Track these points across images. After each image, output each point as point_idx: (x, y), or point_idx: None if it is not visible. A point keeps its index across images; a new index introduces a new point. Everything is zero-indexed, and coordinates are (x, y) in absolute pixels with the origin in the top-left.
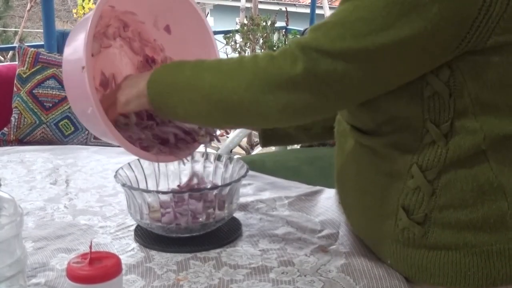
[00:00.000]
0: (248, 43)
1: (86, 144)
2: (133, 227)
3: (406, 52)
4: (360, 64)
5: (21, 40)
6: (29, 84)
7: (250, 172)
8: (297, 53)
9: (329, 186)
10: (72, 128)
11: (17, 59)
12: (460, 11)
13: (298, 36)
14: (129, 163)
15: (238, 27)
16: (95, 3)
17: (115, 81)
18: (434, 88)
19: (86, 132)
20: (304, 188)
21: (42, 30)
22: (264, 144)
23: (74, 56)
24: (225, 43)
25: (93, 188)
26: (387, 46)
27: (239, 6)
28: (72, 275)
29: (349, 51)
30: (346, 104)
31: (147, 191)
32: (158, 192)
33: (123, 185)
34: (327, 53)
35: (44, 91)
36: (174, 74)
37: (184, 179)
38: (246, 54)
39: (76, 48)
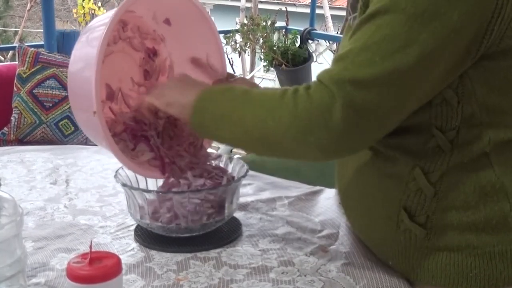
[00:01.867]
0: (248, 43)
1: (86, 144)
2: (133, 227)
3: (434, 64)
4: (394, 87)
5: (21, 40)
6: (29, 84)
7: (250, 172)
8: (332, 88)
9: (329, 186)
10: (72, 128)
11: (17, 59)
12: (478, 15)
13: (298, 35)
14: None
15: (238, 27)
16: (95, 3)
17: (122, 93)
18: (443, 96)
19: None
20: (304, 188)
21: (42, 30)
22: None
23: (85, 91)
24: (225, 43)
25: (93, 188)
26: (416, 63)
27: (239, 6)
28: (72, 275)
29: (382, 76)
30: (383, 134)
31: (147, 191)
32: (158, 192)
33: (123, 185)
34: (361, 83)
35: (44, 91)
36: (219, 103)
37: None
38: (247, 53)
39: (86, 78)
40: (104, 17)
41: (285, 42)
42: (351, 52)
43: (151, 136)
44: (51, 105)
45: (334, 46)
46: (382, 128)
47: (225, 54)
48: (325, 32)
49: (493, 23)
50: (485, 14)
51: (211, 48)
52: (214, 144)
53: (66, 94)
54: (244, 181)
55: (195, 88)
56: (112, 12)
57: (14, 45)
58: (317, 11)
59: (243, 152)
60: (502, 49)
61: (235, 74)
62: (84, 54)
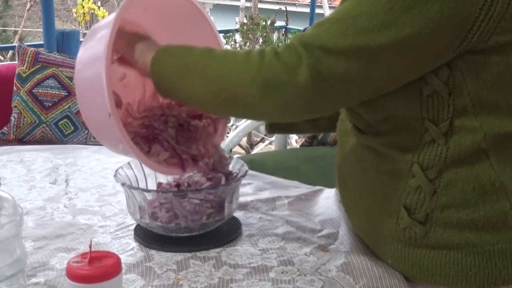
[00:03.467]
0: (248, 43)
1: (85, 143)
2: (132, 227)
3: (407, 50)
4: (362, 62)
5: (20, 40)
6: (29, 83)
7: (250, 172)
8: (300, 51)
9: (329, 185)
10: (72, 128)
11: (16, 59)
12: (461, 10)
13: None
14: (128, 163)
15: (237, 26)
16: (94, 2)
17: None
18: (433, 87)
19: (86, 132)
20: (304, 187)
21: (41, 30)
22: (269, 131)
23: (96, 93)
24: (225, 42)
25: (93, 188)
26: (388, 44)
27: (238, 6)
28: (72, 275)
29: (351, 49)
30: (347, 103)
31: (147, 190)
32: (158, 191)
33: (123, 184)
34: (330, 51)
35: (44, 91)
36: (181, 56)
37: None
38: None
39: (96, 84)
40: (106, 20)
41: (285, 41)
42: (328, 21)
43: (162, 140)
44: (50, 104)
45: None
46: (346, 98)
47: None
48: None
49: (481, 20)
50: (471, 10)
51: (211, 45)
52: None
53: (66, 93)
54: (243, 181)
55: (150, 48)
56: (113, 15)
57: (13, 44)
58: (317, 10)
59: (243, 151)
60: (492, 45)
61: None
62: (92, 55)
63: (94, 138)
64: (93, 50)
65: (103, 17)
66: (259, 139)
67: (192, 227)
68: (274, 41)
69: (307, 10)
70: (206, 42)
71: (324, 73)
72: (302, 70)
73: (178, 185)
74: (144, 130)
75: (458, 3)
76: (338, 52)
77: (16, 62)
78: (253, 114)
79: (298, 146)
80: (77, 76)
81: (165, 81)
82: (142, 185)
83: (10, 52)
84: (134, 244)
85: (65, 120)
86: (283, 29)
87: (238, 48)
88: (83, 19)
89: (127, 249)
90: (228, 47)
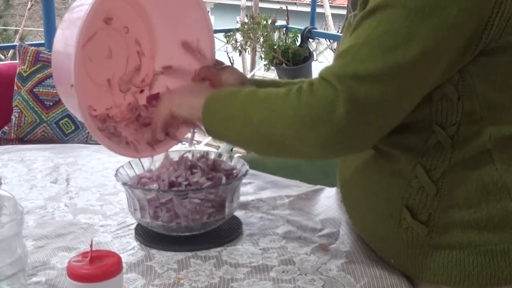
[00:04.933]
0: (249, 42)
1: (86, 143)
2: (133, 226)
3: (435, 59)
4: (396, 82)
5: (21, 39)
6: (30, 82)
7: (251, 171)
8: (335, 83)
9: (330, 185)
10: (73, 127)
11: (17, 58)
12: (477, 10)
13: (298, 34)
14: (129, 162)
15: (238, 25)
16: None
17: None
18: (443, 91)
19: (87, 131)
20: (305, 187)
21: (42, 29)
22: None
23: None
24: (226, 41)
25: (94, 187)
26: (417, 57)
27: (239, 5)
28: (73, 274)
29: (383, 71)
30: (387, 130)
31: (148, 189)
32: (158, 190)
33: (124, 183)
34: (363, 78)
35: (45, 90)
36: (227, 105)
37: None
38: (248, 52)
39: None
40: None
41: (285, 41)
42: (352, 48)
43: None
44: (51, 104)
45: (335, 44)
46: (386, 124)
47: (226, 53)
48: (325, 31)
49: (493, 19)
50: (485, 9)
51: (202, 34)
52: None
53: None
54: (244, 180)
55: (203, 91)
56: None
57: (14, 44)
58: (318, 9)
59: (243, 151)
60: (502, 45)
61: (224, 62)
62: (68, 28)
63: (95, 137)
64: (73, 16)
65: None
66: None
67: (193, 226)
68: (275, 40)
69: (308, 9)
70: (197, 29)
71: (361, 102)
72: (339, 103)
73: (173, 184)
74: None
75: (475, 4)
76: (371, 76)
77: (17, 61)
78: (296, 154)
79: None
80: (55, 39)
81: (214, 130)
82: None
83: (11, 51)
84: (134, 243)
85: (66, 119)
86: (284, 28)
87: (239, 48)
88: None
89: (128, 249)
90: (229, 46)
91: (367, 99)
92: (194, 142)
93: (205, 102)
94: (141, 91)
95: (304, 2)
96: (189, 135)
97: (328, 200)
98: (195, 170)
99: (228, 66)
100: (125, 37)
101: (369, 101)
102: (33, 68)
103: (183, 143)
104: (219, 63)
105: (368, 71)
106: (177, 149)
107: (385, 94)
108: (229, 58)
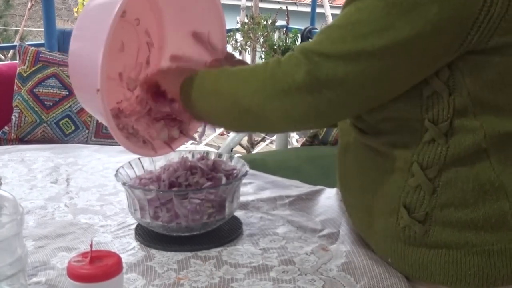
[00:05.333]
0: (249, 42)
1: (86, 143)
2: (133, 226)
3: (406, 53)
4: (360, 65)
5: (21, 39)
6: (30, 83)
7: (251, 171)
8: (300, 58)
9: (330, 185)
10: (73, 127)
11: (17, 58)
12: (461, 11)
13: (298, 34)
14: (129, 162)
15: (238, 25)
16: None
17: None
18: (434, 88)
19: (87, 131)
20: (305, 187)
21: (42, 29)
22: None
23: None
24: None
25: (94, 187)
26: (387, 48)
27: (239, 5)
28: (73, 274)
29: (349, 53)
30: (350, 111)
31: (148, 190)
32: (158, 191)
33: (124, 184)
34: (328, 56)
35: (45, 90)
36: (201, 80)
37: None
38: (248, 52)
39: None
40: None
41: (285, 41)
42: (328, 29)
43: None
44: (51, 104)
45: None
46: (349, 105)
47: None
48: None
49: (480, 21)
50: (470, 11)
51: (214, 26)
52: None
53: (67, 93)
54: (244, 180)
55: (182, 75)
56: None
57: (14, 44)
58: (318, 10)
59: (243, 151)
60: (493, 46)
61: (235, 55)
62: (92, 28)
63: (95, 137)
64: (98, 19)
65: None
66: (260, 138)
67: (193, 226)
68: (275, 40)
69: (308, 9)
70: (209, 20)
71: (322, 78)
72: (299, 75)
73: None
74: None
75: (457, 5)
76: (336, 56)
77: (17, 61)
78: (259, 125)
79: (299, 146)
80: (75, 42)
81: (191, 107)
82: None
83: (11, 52)
84: (135, 243)
85: (66, 119)
86: (284, 29)
87: (239, 48)
88: None
89: (128, 249)
90: (229, 46)
91: (328, 76)
92: (194, 142)
93: (183, 80)
94: None
95: (304, 2)
96: (200, 129)
97: (328, 201)
98: (195, 171)
99: (240, 60)
100: (136, 28)
101: (330, 78)
102: (33, 68)
103: (196, 140)
104: (230, 56)
105: (335, 51)
106: (177, 150)
107: (347, 75)
108: None
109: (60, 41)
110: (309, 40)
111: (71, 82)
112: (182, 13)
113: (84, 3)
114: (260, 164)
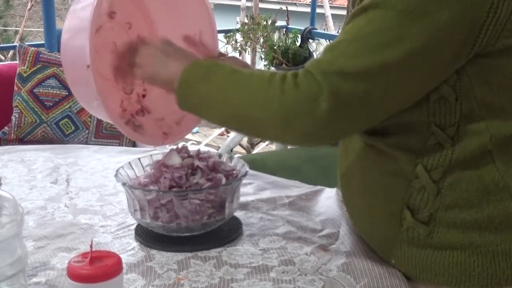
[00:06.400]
0: (249, 42)
1: (86, 143)
2: (133, 226)
3: (423, 62)
4: (380, 81)
5: (21, 39)
6: (30, 83)
7: (251, 171)
8: (319, 78)
9: (330, 185)
10: (73, 127)
11: (17, 58)
12: (470, 15)
13: (298, 35)
14: (129, 162)
15: (238, 26)
16: None
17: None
18: (441, 92)
19: (87, 132)
20: (305, 187)
21: (42, 29)
22: None
23: (78, 50)
24: (226, 42)
25: (94, 187)
26: (404, 58)
27: (239, 5)
28: (73, 274)
29: (369, 69)
30: (369, 125)
31: (148, 190)
32: (158, 191)
33: (124, 184)
34: (348, 75)
35: (45, 90)
36: (206, 83)
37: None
38: (248, 52)
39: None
40: None
41: (285, 41)
42: (341, 43)
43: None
44: (51, 104)
45: None
46: (368, 119)
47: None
48: (325, 32)
49: (488, 23)
50: (478, 14)
51: (204, 26)
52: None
53: (67, 93)
54: (244, 181)
55: (177, 61)
56: None
57: (14, 44)
58: (318, 10)
59: (243, 151)
60: (499, 48)
61: (226, 53)
62: (78, 18)
63: (95, 138)
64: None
65: None
66: (259, 138)
67: (193, 227)
68: (275, 40)
69: (308, 9)
70: (199, 20)
71: (344, 98)
72: (322, 99)
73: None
74: None
75: (467, 8)
76: (356, 74)
77: (17, 61)
78: (277, 141)
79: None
80: (64, 32)
81: (191, 108)
82: None
83: (11, 52)
84: (134, 243)
85: (66, 119)
86: (284, 29)
87: (239, 48)
88: None
89: (128, 249)
90: (229, 46)
91: (351, 95)
92: (194, 142)
93: (181, 79)
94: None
95: (304, 2)
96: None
97: (328, 201)
98: (195, 171)
99: (231, 57)
100: (128, 32)
101: (352, 98)
102: (33, 69)
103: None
104: (221, 55)
105: (354, 68)
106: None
107: (368, 92)
108: None
109: (60, 41)
110: (316, 55)
111: (65, 78)
112: (171, 15)
113: None
114: (260, 164)
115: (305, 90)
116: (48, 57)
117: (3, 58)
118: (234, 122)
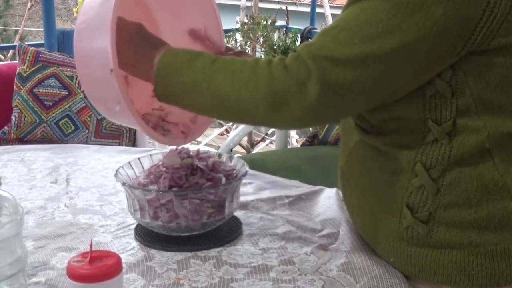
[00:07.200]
0: (249, 42)
1: (86, 143)
2: (133, 226)
3: (413, 55)
4: (369, 69)
5: (21, 39)
6: (30, 83)
7: (251, 171)
8: (309, 63)
9: (330, 185)
10: (73, 127)
11: (17, 58)
12: (465, 12)
13: (298, 34)
14: (129, 162)
15: (238, 26)
16: None
17: None
18: (436, 88)
19: (86, 131)
20: (305, 187)
21: (42, 29)
22: None
23: (98, 51)
24: (226, 41)
25: (94, 187)
26: (394, 50)
27: (239, 5)
28: (73, 274)
29: (358, 57)
30: (356, 112)
31: (148, 190)
32: (158, 191)
33: (124, 184)
34: (337, 61)
35: (45, 90)
36: (186, 73)
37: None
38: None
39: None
40: None
41: (285, 41)
42: (333, 30)
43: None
44: (51, 104)
45: None
46: (356, 106)
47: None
48: None
49: (484, 21)
50: (474, 12)
51: (209, 21)
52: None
53: (67, 93)
54: (244, 180)
55: (152, 48)
56: None
57: (14, 44)
58: (318, 10)
59: (243, 151)
60: (495, 46)
61: (234, 48)
62: (97, 7)
63: (94, 137)
64: (100, 9)
65: None
66: (259, 138)
67: (193, 226)
68: (275, 40)
69: (308, 9)
70: (204, 15)
71: (332, 83)
72: (312, 84)
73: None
74: None
75: (462, 6)
76: (345, 61)
77: (17, 61)
78: (265, 125)
79: (299, 146)
80: (79, 28)
81: (173, 100)
82: None
83: (11, 52)
84: (134, 243)
85: (66, 119)
86: (284, 29)
87: (239, 48)
88: None
89: (128, 249)
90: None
91: (339, 81)
92: (194, 142)
93: (158, 70)
94: None
95: (304, 2)
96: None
97: (328, 201)
98: (194, 171)
99: (240, 51)
100: None
101: (340, 84)
102: (33, 68)
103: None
104: (229, 49)
105: (342, 55)
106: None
107: (357, 79)
108: None
109: (60, 41)
110: (309, 40)
111: (81, 84)
112: (174, 13)
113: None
114: (260, 164)
115: (295, 73)
116: (48, 57)
117: (3, 57)
118: (220, 110)
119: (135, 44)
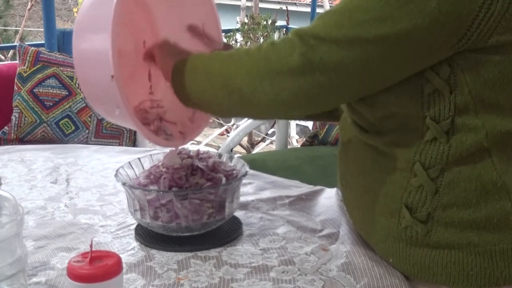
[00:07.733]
0: (249, 42)
1: (86, 143)
2: (133, 226)
3: (402, 44)
4: (356, 52)
5: (21, 39)
6: (30, 83)
7: (251, 171)
8: (295, 40)
9: (330, 185)
10: (73, 127)
11: (17, 58)
12: (460, 7)
13: None
14: (129, 162)
15: (238, 26)
16: None
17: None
18: (434, 85)
19: (87, 131)
20: (305, 187)
21: (42, 29)
22: None
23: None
24: (226, 42)
25: (94, 187)
26: (383, 37)
27: (239, 5)
28: (73, 274)
29: (345, 38)
30: (340, 97)
31: (148, 190)
32: (158, 191)
33: (124, 184)
34: (323, 40)
35: (45, 90)
36: (194, 61)
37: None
38: None
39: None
40: None
41: None
42: (326, 14)
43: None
44: (51, 104)
45: None
46: (342, 91)
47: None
48: None
49: (480, 18)
50: (470, 7)
51: (207, 18)
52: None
53: (67, 93)
54: (244, 180)
55: (175, 56)
56: None
57: (14, 44)
58: (318, 9)
59: (243, 151)
60: (493, 44)
61: (232, 45)
62: (98, 12)
63: (95, 137)
64: (100, 9)
65: None
66: (260, 138)
67: (193, 226)
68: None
69: (308, 9)
70: (201, 13)
71: (316, 61)
72: (293, 57)
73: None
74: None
75: (457, 0)
76: (331, 40)
77: (17, 61)
78: (250, 107)
79: (299, 146)
80: (78, 31)
81: (179, 88)
82: None
83: (11, 52)
84: (134, 243)
85: (66, 119)
86: (284, 29)
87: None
88: None
89: (128, 249)
90: None
91: (323, 59)
92: (194, 142)
93: (177, 61)
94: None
95: (304, 2)
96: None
97: (328, 201)
98: (195, 171)
99: (228, 44)
100: (130, 30)
101: (324, 62)
102: (33, 69)
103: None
104: (228, 46)
105: (330, 35)
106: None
107: (342, 60)
108: None
109: (60, 41)
110: None
111: (80, 85)
112: (172, 10)
113: None
114: (260, 164)
115: (280, 48)
116: (48, 57)
117: (3, 58)
118: (215, 93)
119: (166, 56)
